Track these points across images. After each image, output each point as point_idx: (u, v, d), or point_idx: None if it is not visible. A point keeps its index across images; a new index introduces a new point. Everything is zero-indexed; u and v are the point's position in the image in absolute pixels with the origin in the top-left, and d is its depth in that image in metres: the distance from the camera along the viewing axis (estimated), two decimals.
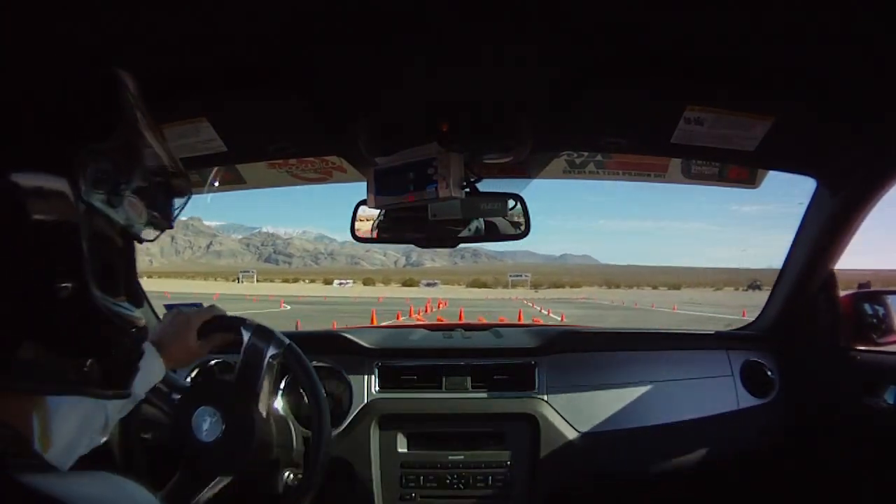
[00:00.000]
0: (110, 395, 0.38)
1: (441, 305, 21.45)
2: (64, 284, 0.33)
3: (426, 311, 18.18)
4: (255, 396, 0.91)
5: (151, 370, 0.84)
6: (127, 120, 0.38)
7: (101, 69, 0.38)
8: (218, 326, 0.94)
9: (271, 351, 0.93)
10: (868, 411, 1.12)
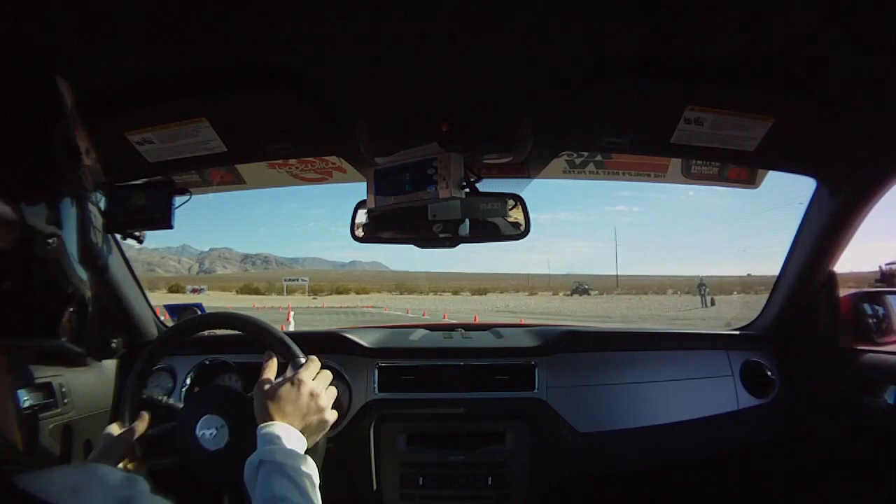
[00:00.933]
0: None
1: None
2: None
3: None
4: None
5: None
6: (63, 131, 0.38)
7: (39, 80, 0.38)
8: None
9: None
10: (868, 411, 1.12)
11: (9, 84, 0.35)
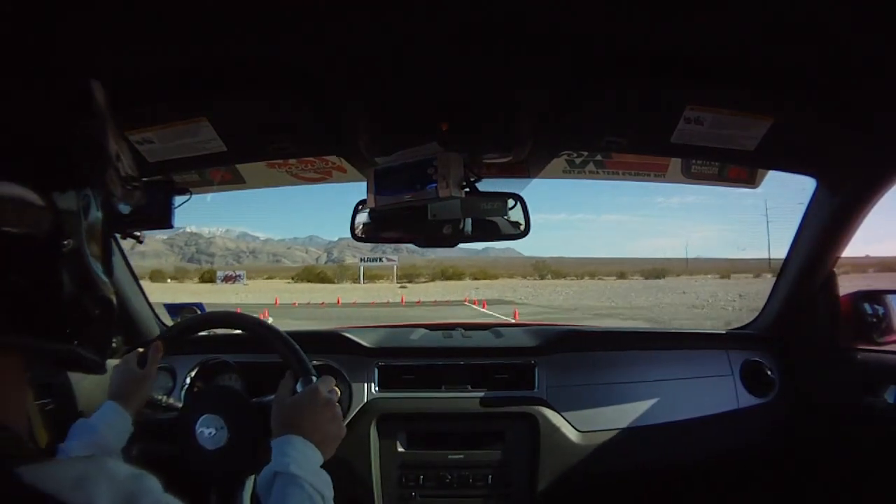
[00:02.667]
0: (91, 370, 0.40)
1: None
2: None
3: None
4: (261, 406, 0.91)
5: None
6: (96, 130, 0.38)
7: (73, 80, 0.38)
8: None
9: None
10: (868, 411, 1.12)
11: (20, 78, 0.35)
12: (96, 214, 0.39)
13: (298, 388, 0.85)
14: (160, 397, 1.03)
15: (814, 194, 1.17)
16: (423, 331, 1.53)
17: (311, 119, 0.99)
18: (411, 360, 1.33)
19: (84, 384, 1.23)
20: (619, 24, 0.72)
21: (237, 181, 1.69)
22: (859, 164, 1.02)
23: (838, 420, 1.22)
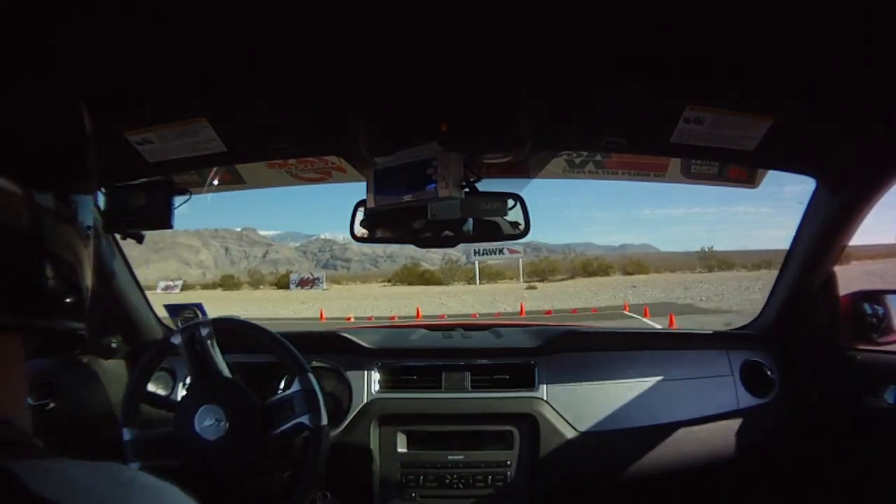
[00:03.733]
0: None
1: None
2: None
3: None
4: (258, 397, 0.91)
5: None
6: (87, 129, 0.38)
7: (69, 79, 0.38)
8: None
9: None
10: (868, 411, 1.12)
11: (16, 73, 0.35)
12: (83, 210, 0.39)
13: (295, 385, 0.86)
14: (161, 394, 1.03)
15: (814, 194, 1.17)
16: (422, 331, 1.53)
17: (311, 119, 0.99)
18: (412, 361, 1.33)
19: (84, 384, 1.23)
20: (619, 24, 0.72)
21: (237, 181, 1.69)
22: (859, 164, 1.02)
23: (838, 420, 1.21)
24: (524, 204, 1.16)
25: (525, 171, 1.29)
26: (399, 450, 1.26)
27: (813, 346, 1.29)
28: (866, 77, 0.81)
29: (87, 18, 0.66)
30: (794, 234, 1.26)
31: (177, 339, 1.00)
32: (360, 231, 1.21)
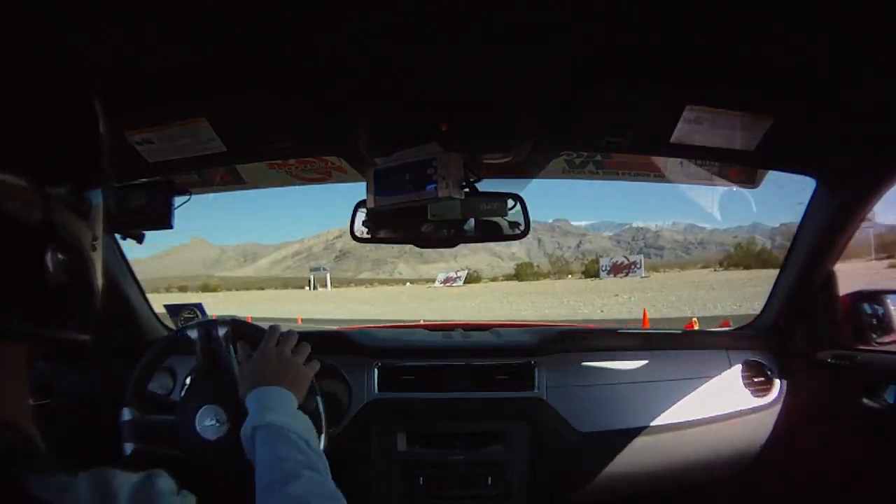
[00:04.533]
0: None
1: None
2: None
3: None
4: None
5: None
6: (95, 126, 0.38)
7: (74, 76, 0.38)
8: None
9: None
10: (868, 411, 1.12)
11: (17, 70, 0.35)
12: (92, 207, 0.39)
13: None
14: (161, 393, 1.03)
15: (814, 194, 1.17)
16: (422, 331, 1.53)
17: (311, 119, 0.99)
18: (411, 361, 1.33)
19: (83, 384, 1.23)
20: (619, 24, 0.72)
21: (237, 181, 1.69)
22: (859, 164, 1.02)
23: (838, 420, 1.21)
24: (524, 204, 1.16)
25: (525, 171, 1.29)
26: (399, 449, 1.26)
27: (813, 346, 1.29)
28: (866, 77, 0.81)
29: (87, 18, 0.66)
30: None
31: (194, 334, 0.99)
32: (360, 231, 1.21)
